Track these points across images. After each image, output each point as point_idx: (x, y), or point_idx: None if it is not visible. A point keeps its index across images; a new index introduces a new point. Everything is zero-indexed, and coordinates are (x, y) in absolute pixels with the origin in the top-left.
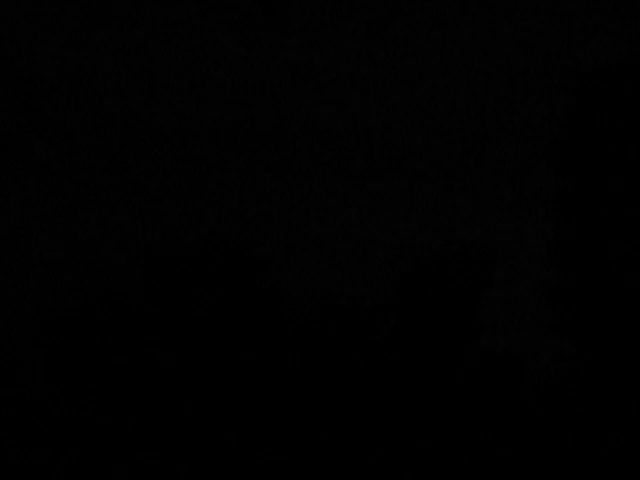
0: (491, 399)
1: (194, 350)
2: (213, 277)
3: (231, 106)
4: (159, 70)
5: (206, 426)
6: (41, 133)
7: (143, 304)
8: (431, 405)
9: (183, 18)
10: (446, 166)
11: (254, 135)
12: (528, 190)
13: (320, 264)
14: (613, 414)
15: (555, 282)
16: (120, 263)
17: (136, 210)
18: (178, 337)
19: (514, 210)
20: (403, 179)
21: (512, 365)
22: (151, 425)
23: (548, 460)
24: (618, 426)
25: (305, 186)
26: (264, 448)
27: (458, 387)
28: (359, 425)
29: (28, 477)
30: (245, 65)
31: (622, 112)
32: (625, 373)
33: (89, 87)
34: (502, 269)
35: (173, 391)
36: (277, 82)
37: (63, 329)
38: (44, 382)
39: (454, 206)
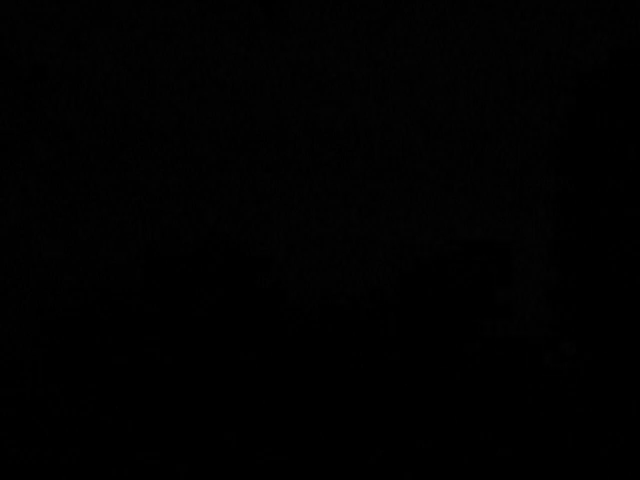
0: (491, 399)
1: (194, 350)
2: (213, 277)
3: (231, 106)
4: (159, 70)
5: (206, 426)
6: (41, 133)
7: (143, 304)
8: (431, 405)
9: (183, 18)
10: (446, 166)
11: (254, 135)
12: (528, 190)
13: (320, 264)
14: (613, 414)
15: (555, 282)
16: (120, 263)
17: (136, 210)
18: (178, 337)
19: (514, 210)
20: (403, 179)
21: (512, 365)
22: (151, 425)
23: (548, 460)
24: (618, 426)
25: (305, 186)
26: (264, 448)
27: (458, 387)
28: (359, 425)
29: (28, 477)
30: (245, 65)
31: (622, 112)
32: (625, 373)
33: (89, 87)
34: (502, 269)
35: (173, 391)
36: (277, 82)
37: (63, 329)
38: (44, 382)
39: (454, 206)
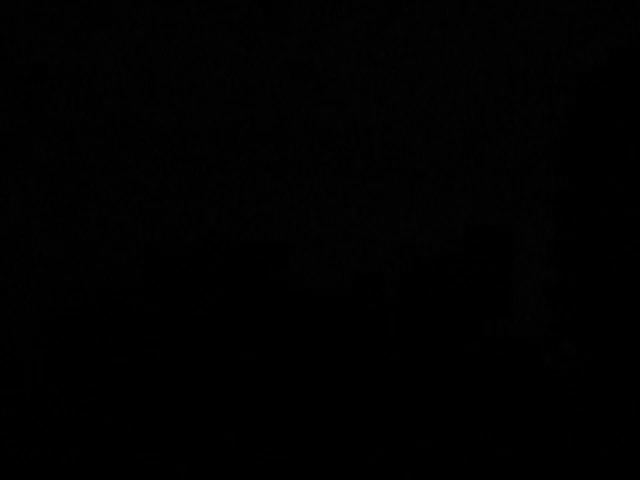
0: (491, 399)
1: (194, 350)
2: (213, 277)
3: (231, 106)
4: (159, 70)
5: (206, 426)
6: (41, 133)
7: (143, 304)
8: (431, 405)
9: (183, 18)
10: (446, 166)
11: (254, 135)
12: (528, 190)
13: (320, 264)
14: (613, 414)
15: (555, 282)
16: (120, 263)
17: (136, 210)
18: (178, 337)
19: (514, 210)
20: (403, 179)
21: (512, 365)
22: (151, 425)
23: (548, 460)
24: (618, 426)
25: (305, 186)
26: (264, 448)
27: (458, 387)
28: (359, 424)
29: (28, 477)
30: (245, 65)
31: (622, 112)
32: (625, 373)
33: (89, 87)
34: (502, 267)
35: (173, 391)
36: (277, 82)
37: (63, 329)
38: (44, 382)
39: (454, 206)
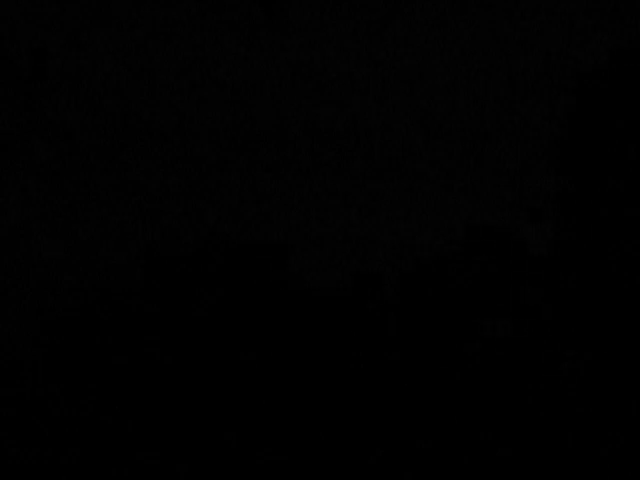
0: (491, 399)
1: (194, 350)
2: (213, 277)
3: (231, 106)
4: (159, 70)
5: (206, 426)
6: (41, 133)
7: (143, 304)
8: (431, 405)
9: (183, 18)
10: (446, 166)
11: (254, 135)
12: (528, 190)
13: (320, 264)
14: (613, 414)
15: (555, 282)
16: (120, 263)
17: (136, 210)
18: (178, 337)
19: (514, 210)
20: (403, 179)
21: (512, 365)
22: (151, 425)
23: (548, 460)
24: (618, 426)
25: (305, 186)
26: (264, 448)
27: (458, 387)
28: (359, 425)
29: (28, 477)
30: (245, 65)
31: (622, 112)
32: (625, 373)
33: (89, 87)
34: (502, 268)
35: (173, 391)
36: (277, 82)
37: (63, 329)
38: (44, 382)
39: (454, 206)
